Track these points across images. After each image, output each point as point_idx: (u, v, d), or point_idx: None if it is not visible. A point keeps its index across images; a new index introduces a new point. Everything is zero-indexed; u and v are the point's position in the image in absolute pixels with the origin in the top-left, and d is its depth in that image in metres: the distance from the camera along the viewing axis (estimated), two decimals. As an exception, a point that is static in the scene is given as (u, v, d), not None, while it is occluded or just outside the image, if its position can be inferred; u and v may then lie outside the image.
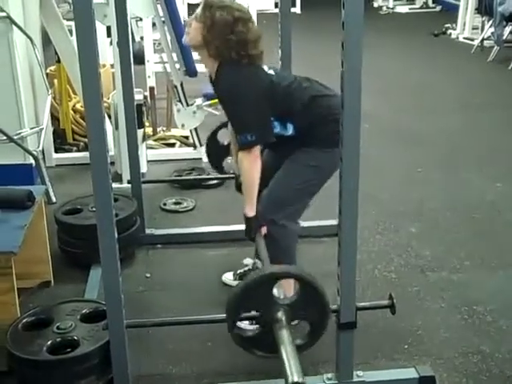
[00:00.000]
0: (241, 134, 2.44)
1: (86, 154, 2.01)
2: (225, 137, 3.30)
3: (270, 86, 2.52)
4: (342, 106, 1.97)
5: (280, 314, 2.07)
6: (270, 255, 2.52)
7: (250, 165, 2.46)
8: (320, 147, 2.51)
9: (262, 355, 2.17)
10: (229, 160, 3.39)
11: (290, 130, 2.55)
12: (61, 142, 4.65)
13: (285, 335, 1.99)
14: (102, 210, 2.03)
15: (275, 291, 2.14)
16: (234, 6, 2.49)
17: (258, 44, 2.50)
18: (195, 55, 4.51)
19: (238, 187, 2.87)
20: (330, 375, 2.27)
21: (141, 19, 5.56)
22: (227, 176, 3.84)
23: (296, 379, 1.78)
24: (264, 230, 2.56)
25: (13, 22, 3.64)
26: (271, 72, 2.59)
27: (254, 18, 5.37)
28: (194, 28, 2.50)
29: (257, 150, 2.45)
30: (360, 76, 1.93)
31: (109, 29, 4.40)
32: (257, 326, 2.16)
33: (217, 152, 3.38)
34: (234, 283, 3.00)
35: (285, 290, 2.36)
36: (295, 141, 2.56)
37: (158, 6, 4.26)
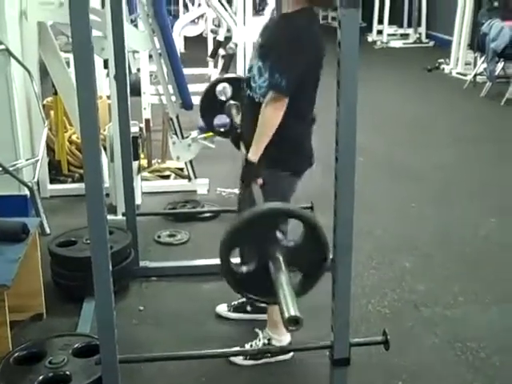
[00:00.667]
0: (273, 75, 2.38)
1: (81, 185, 2.01)
2: (223, 93, 3.21)
3: (318, 59, 2.49)
4: (337, 142, 1.99)
5: (279, 254, 2.00)
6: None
7: (275, 110, 2.40)
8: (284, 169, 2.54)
9: (252, 297, 2.12)
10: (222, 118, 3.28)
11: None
12: (56, 173, 4.65)
13: (282, 274, 1.93)
14: (96, 243, 2.02)
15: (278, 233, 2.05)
16: None
17: None
18: (192, 88, 4.57)
19: (235, 139, 2.81)
20: (323, 411, 2.25)
21: (138, 51, 5.62)
22: (222, 209, 3.85)
23: (293, 313, 1.75)
24: (260, 180, 2.49)
25: (11, 55, 3.67)
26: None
27: (249, 49, 5.49)
28: None
29: (285, 98, 2.39)
30: (355, 114, 1.95)
31: (106, 61, 4.45)
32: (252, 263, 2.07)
33: (211, 106, 3.27)
34: (228, 315, 3.00)
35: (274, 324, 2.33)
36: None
37: (155, 38, 4.31)
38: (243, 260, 2.19)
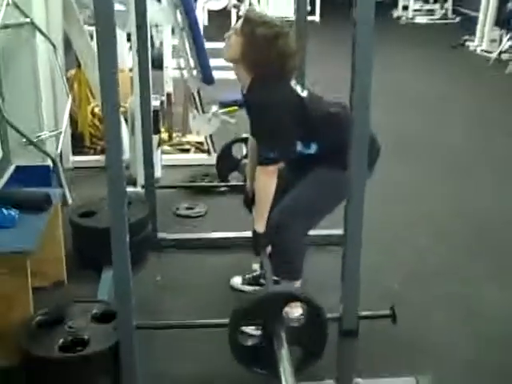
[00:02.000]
0: (263, 149, 2.53)
1: (103, 157, 2.07)
2: (239, 151, 3.41)
3: (300, 106, 2.59)
4: (352, 120, 2.04)
5: (282, 331, 2.20)
6: (277, 265, 2.60)
7: (267, 180, 2.54)
8: (342, 167, 2.56)
9: (257, 371, 2.27)
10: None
11: (312, 149, 2.63)
12: (79, 144, 4.74)
13: (283, 350, 2.12)
14: (115, 214, 2.10)
15: (286, 310, 2.27)
16: (274, 22, 2.57)
17: (295, 58, 2.59)
18: (213, 62, 4.62)
19: (247, 202, 2.94)
20: (330, 381, 2.32)
21: (161, 25, 5.65)
22: (239, 183, 3.90)
23: None
24: (269, 248, 2.65)
25: (36, 28, 3.74)
26: (304, 94, 2.67)
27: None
28: (235, 42, 2.58)
29: (275, 166, 2.53)
30: (370, 93, 1.98)
31: (129, 34, 4.50)
32: (258, 337, 2.26)
33: (227, 164, 3.49)
34: (242, 287, 3.08)
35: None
36: (316, 159, 2.63)
37: (178, 12, 4.35)
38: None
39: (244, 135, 3.27)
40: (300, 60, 3.20)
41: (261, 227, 2.61)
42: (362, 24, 1.94)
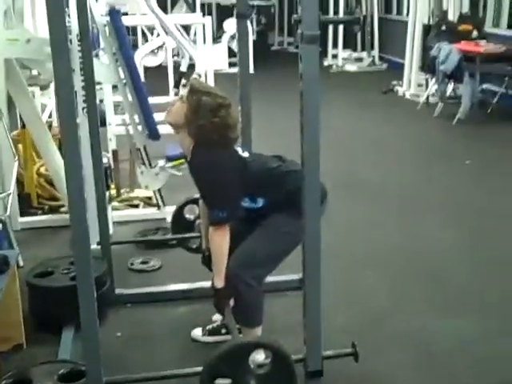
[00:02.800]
0: (213, 211, 2.64)
1: (51, 216, 2.11)
2: (191, 212, 3.51)
3: (243, 167, 2.74)
4: (302, 163, 2.16)
5: (251, 380, 2.29)
6: (237, 313, 2.67)
7: (220, 239, 2.65)
8: (292, 214, 2.67)
9: None
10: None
11: (260, 203, 2.78)
12: (26, 205, 4.71)
13: None
14: (81, 272, 2.14)
15: (251, 359, 2.34)
16: (218, 94, 2.73)
17: (236, 128, 2.75)
18: (157, 117, 4.69)
19: (205, 260, 3.02)
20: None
21: (100, 83, 5.72)
22: (192, 235, 3.97)
23: None
24: (232, 302, 2.71)
25: (-20, 92, 3.76)
26: (245, 154, 2.83)
27: (211, 78, 5.66)
28: (179, 107, 2.72)
29: (227, 225, 2.64)
30: (318, 142, 2.12)
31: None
32: None
33: (182, 227, 3.59)
34: (204, 339, 3.12)
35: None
36: (265, 210, 2.77)
37: (119, 68, 4.43)
38: None
39: (195, 196, 3.38)
40: (246, 120, 3.36)
41: (219, 283, 2.69)
42: (307, 80, 2.09)
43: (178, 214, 3.67)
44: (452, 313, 3.35)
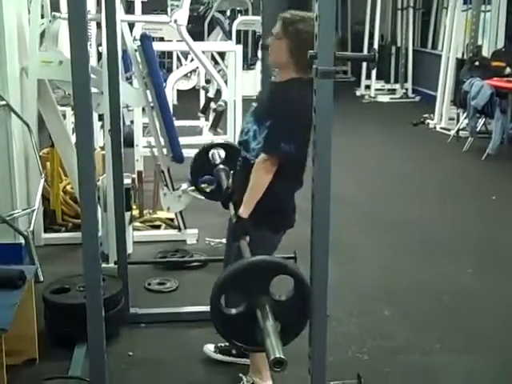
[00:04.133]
0: (276, 140, 2.53)
1: (75, 234, 2.15)
2: (216, 157, 3.37)
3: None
4: (312, 196, 2.17)
5: (267, 304, 2.14)
6: None
7: (265, 172, 2.56)
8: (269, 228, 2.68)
9: (238, 344, 2.24)
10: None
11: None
12: (50, 222, 4.80)
13: (269, 322, 2.07)
14: (91, 289, 2.18)
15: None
16: (310, 16, 2.49)
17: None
18: (183, 140, 4.77)
19: (226, 201, 2.90)
20: None
21: (132, 105, 5.83)
22: (210, 258, 4.00)
23: (278, 355, 1.89)
24: (248, 237, 2.60)
25: (12, 110, 3.87)
26: None
27: (240, 104, 5.70)
28: (278, 45, 2.61)
29: (278, 161, 2.55)
30: (330, 173, 2.13)
31: (100, 114, 4.65)
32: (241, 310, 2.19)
33: (202, 166, 3.40)
34: (214, 356, 3.14)
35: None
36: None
37: (148, 92, 4.53)
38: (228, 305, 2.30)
39: (222, 142, 3.31)
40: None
41: (245, 213, 2.60)
42: (321, 113, 2.11)
43: (203, 155, 3.38)
44: (466, 352, 3.31)
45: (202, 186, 3.47)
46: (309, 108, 2.55)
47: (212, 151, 3.29)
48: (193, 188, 4.52)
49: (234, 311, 2.20)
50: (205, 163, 3.33)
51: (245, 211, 2.61)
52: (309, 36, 2.42)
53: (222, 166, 3.19)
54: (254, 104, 2.83)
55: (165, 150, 4.60)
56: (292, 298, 2.21)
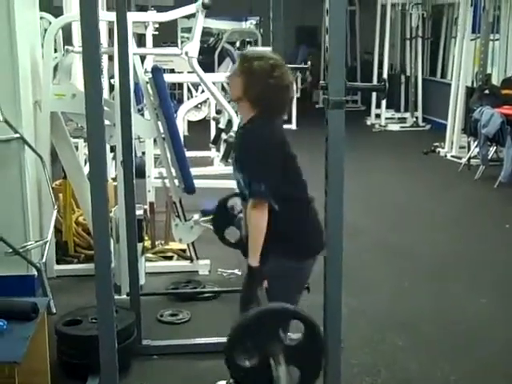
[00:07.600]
0: (253, 185, 2.58)
1: (87, 265, 2.15)
2: (235, 206, 3.41)
3: (287, 154, 2.70)
4: (325, 225, 2.17)
5: (280, 351, 2.17)
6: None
7: (258, 215, 2.57)
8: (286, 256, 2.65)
9: None
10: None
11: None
12: (63, 253, 4.81)
13: (281, 370, 2.11)
14: (103, 322, 2.18)
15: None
16: (269, 56, 2.70)
17: (292, 87, 2.72)
18: (194, 171, 4.79)
19: (244, 250, 2.85)
20: None
21: (143, 136, 5.87)
22: (222, 289, 3.98)
23: None
24: (265, 283, 2.61)
25: (25, 142, 3.91)
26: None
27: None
28: (236, 81, 2.70)
29: (266, 202, 2.57)
30: (342, 202, 2.13)
31: (112, 146, 4.69)
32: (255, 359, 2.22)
33: (223, 219, 3.44)
34: (227, 391, 3.11)
35: None
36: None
37: (159, 123, 4.56)
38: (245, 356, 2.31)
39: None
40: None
41: (253, 261, 2.60)
42: (333, 143, 2.13)
43: (222, 207, 3.39)
44: (481, 383, 3.26)
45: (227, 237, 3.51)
46: (273, 140, 2.63)
47: (230, 202, 3.34)
48: (204, 219, 4.54)
49: (248, 364, 2.24)
50: (226, 215, 3.41)
51: (252, 259, 2.61)
52: (262, 73, 2.60)
53: (241, 215, 3.22)
54: (234, 153, 2.90)
55: (176, 181, 4.61)
56: (303, 342, 2.23)
